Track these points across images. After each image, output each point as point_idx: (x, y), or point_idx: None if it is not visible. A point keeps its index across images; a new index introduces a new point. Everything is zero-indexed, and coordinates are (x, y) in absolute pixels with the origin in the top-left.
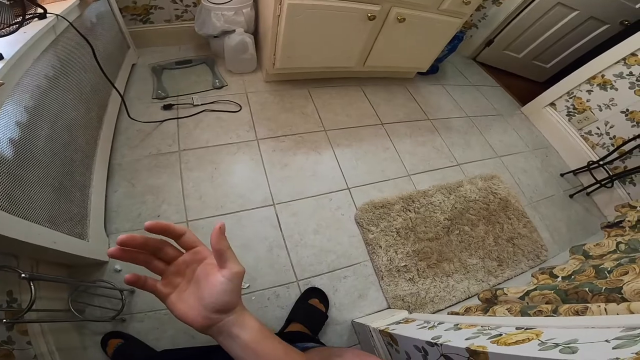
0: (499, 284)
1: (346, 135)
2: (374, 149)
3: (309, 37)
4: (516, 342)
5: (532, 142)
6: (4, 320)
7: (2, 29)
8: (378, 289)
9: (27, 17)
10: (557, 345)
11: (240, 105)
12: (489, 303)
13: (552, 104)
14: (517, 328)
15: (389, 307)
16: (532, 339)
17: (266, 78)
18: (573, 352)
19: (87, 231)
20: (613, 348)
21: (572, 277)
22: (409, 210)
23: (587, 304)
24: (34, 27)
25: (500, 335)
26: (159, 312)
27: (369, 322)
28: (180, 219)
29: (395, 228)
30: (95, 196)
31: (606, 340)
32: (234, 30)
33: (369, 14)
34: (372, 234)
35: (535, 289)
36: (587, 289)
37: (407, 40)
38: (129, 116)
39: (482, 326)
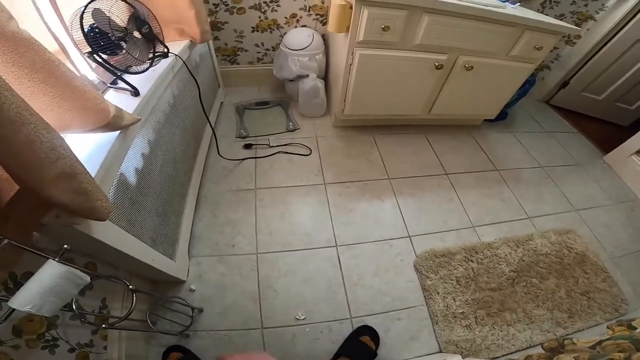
0: (568, 335)
1: (409, 184)
2: (437, 199)
3: (378, 86)
4: None
5: (616, 195)
6: (103, 326)
7: (138, 65)
8: (431, 332)
9: (157, 55)
10: None
11: (310, 149)
12: (554, 352)
13: (639, 152)
14: None
15: (441, 351)
16: None
17: (335, 123)
18: None
19: (175, 252)
20: None
21: None
22: (471, 261)
23: None
24: (160, 66)
25: None
26: (219, 333)
27: None
28: (251, 251)
29: (456, 277)
30: (185, 223)
31: None
32: (307, 75)
33: (437, 63)
34: (431, 281)
35: (608, 339)
36: None
37: (475, 88)
38: (219, 153)
39: None
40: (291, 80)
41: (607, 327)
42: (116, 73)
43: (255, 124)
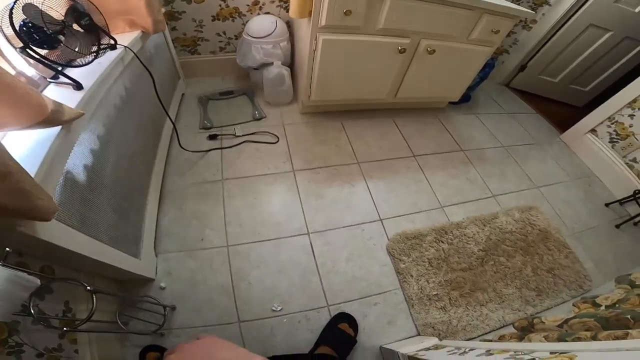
0: (538, 313)
1: (378, 167)
2: (406, 181)
3: (343, 71)
4: None
5: (574, 171)
6: (65, 329)
7: (81, 58)
8: (408, 316)
9: (102, 47)
10: None
11: (277, 137)
12: (525, 331)
13: (593, 131)
14: (551, 352)
15: (419, 334)
16: None
17: (302, 110)
18: None
19: (140, 250)
20: None
21: (617, 305)
22: (442, 242)
23: (629, 330)
24: (106, 58)
25: (534, 359)
26: (195, 329)
27: (398, 347)
28: (222, 244)
29: (427, 258)
30: (148, 219)
31: None
32: (272, 63)
33: (400, 47)
34: (404, 264)
35: (574, 317)
36: (629, 316)
37: (437, 71)
38: (180, 145)
39: (515, 351)
40: (255, 69)
41: (573, 305)
42: (53, 67)
43: (220, 115)
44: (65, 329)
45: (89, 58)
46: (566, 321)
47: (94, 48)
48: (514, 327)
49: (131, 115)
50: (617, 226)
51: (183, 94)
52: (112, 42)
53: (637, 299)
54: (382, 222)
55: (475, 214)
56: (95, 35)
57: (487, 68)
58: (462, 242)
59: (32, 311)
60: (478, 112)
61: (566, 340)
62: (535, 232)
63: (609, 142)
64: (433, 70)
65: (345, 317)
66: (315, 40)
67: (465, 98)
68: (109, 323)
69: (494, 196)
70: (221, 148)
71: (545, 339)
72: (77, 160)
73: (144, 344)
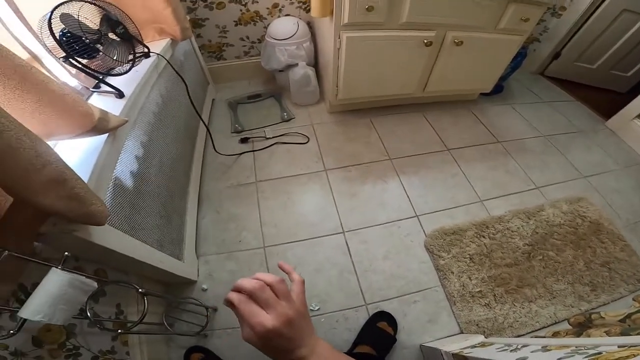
0: (593, 309)
1: (412, 162)
2: (441, 176)
3: (368, 67)
4: (619, 359)
5: (623, 159)
6: (119, 331)
7: (119, 67)
8: (450, 314)
9: (137, 55)
10: None
11: (307, 137)
12: (582, 327)
13: None
14: (619, 346)
15: (462, 332)
16: (638, 354)
17: (330, 109)
18: None
19: (183, 253)
20: None
21: None
22: (483, 237)
23: None
24: (143, 66)
25: (600, 353)
26: (236, 330)
27: (440, 345)
28: (258, 245)
29: (469, 254)
30: (189, 222)
31: None
32: (297, 64)
33: (425, 40)
34: (443, 260)
35: (637, 312)
36: None
37: (466, 63)
38: (215, 150)
39: (576, 347)
40: (281, 71)
41: (633, 299)
42: (96, 76)
43: (249, 118)
44: (119, 330)
45: (127, 66)
46: (629, 316)
47: (130, 56)
48: (569, 323)
49: (168, 122)
50: None
51: (213, 99)
52: (146, 50)
53: None
54: (418, 218)
55: (518, 207)
56: (130, 44)
57: (519, 57)
58: (505, 236)
59: (89, 314)
60: (513, 102)
61: (630, 335)
62: (586, 225)
63: None
64: (462, 62)
65: (384, 316)
66: (339, 38)
67: (498, 89)
68: (156, 325)
69: (538, 188)
70: (253, 150)
71: (606, 334)
72: (124, 167)
73: (188, 345)
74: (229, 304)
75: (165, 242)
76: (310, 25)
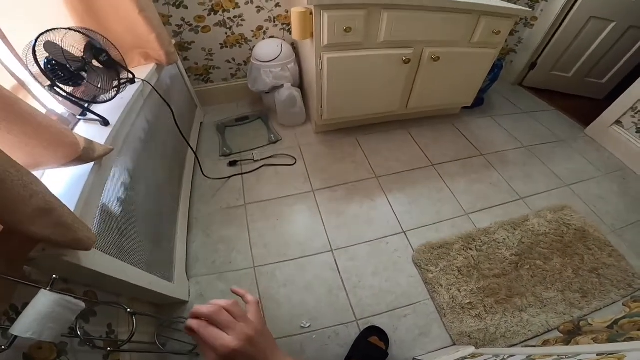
0: (585, 315)
1: (397, 180)
2: (427, 191)
3: (351, 87)
4: None
5: (604, 166)
6: (109, 349)
7: (104, 94)
8: (441, 326)
9: (122, 82)
10: None
11: (295, 158)
12: (572, 335)
13: (618, 122)
14: (598, 354)
15: (454, 344)
16: None
17: (316, 129)
18: None
19: (173, 275)
20: None
21: None
22: (470, 249)
23: None
24: (128, 92)
25: None
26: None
27: (432, 359)
28: (248, 265)
29: (457, 267)
30: (179, 245)
31: None
32: (282, 85)
33: (404, 58)
34: (432, 274)
35: (624, 317)
36: None
37: (445, 77)
38: (203, 174)
39: (558, 355)
40: (267, 92)
41: (623, 305)
42: (80, 104)
43: (237, 140)
44: (109, 349)
45: (112, 93)
46: (616, 322)
47: (115, 83)
48: (559, 331)
49: (155, 147)
50: None
51: (201, 122)
52: (131, 76)
53: None
54: (405, 234)
55: (503, 218)
56: (114, 70)
57: (496, 69)
58: (492, 247)
59: (79, 332)
60: (494, 114)
61: (617, 341)
62: (572, 232)
63: (636, 132)
64: (441, 77)
65: (375, 331)
66: (321, 59)
67: (479, 102)
68: (148, 344)
69: (522, 198)
70: (242, 173)
71: (594, 341)
72: (111, 194)
73: None
74: (189, 331)
75: (154, 265)
76: (294, 46)
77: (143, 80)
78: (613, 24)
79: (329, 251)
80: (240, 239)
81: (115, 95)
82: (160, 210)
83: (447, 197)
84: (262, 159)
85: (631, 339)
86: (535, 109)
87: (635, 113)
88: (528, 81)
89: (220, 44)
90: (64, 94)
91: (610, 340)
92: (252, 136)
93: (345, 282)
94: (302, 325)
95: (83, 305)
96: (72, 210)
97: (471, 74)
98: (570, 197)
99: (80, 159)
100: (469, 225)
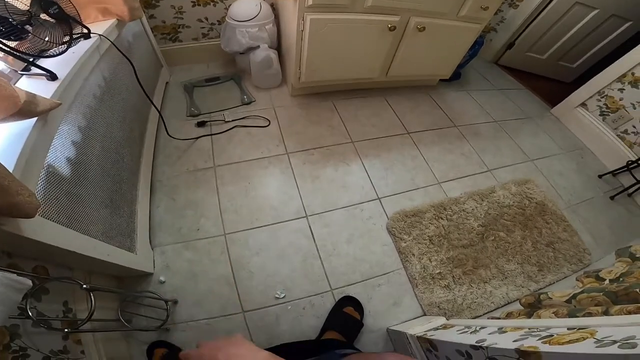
0: (541, 289)
1: (373, 145)
2: (402, 158)
3: (332, 51)
4: (569, 342)
5: (566, 144)
6: (66, 330)
7: (53, 48)
8: (413, 296)
9: (74, 37)
10: (614, 342)
11: (268, 120)
12: (533, 308)
13: (584, 105)
14: (568, 328)
15: (425, 314)
16: (587, 337)
17: (292, 92)
18: (632, 347)
19: (135, 244)
20: None
21: (621, 279)
22: (441, 218)
23: None
24: (81, 47)
25: (552, 336)
26: (199, 323)
27: (405, 328)
28: (218, 232)
29: (428, 236)
30: (141, 211)
31: None
32: (258, 46)
33: (389, 25)
34: (405, 243)
35: (582, 292)
36: (638, 290)
37: (428, 49)
38: (168, 134)
39: (529, 328)
40: (241, 53)
41: (577, 280)
42: (25, 58)
43: (207, 101)
44: (66, 330)
45: (62, 48)
46: (574, 296)
47: (67, 38)
48: (520, 303)
49: (113, 105)
50: (612, 197)
51: (167, 82)
52: (85, 31)
53: None
54: (380, 201)
55: (472, 188)
56: (66, 24)
57: (477, 45)
58: (461, 217)
59: (30, 313)
60: (469, 88)
61: (577, 316)
62: (533, 206)
63: (600, 115)
64: (424, 48)
65: (350, 301)
66: (303, 20)
67: (456, 76)
68: (112, 321)
69: (490, 170)
70: (211, 134)
71: (555, 315)
72: (59, 153)
73: (150, 340)
74: None
75: (113, 234)
76: (273, 6)
77: (100, 35)
78: (596, 11)
79: (304, 217)
80: (209, 204)
81: (65, 50)
82: (119, 173)
83: (421, 165)
84: (233, 120)
85: (590, 314)
86: (508, 86)
87: (602, 97)
88: (504, 60)
89: (192, 1)
90: (5, 48)
91: (570, 314)
92: (224, 97)
93: (320, 250)
94: (277, 295)
95: (29, 282)
96: (11, 171)
97: (453, 47)
98: (533, 171)
99: (20, 114)
100: (441, 195)
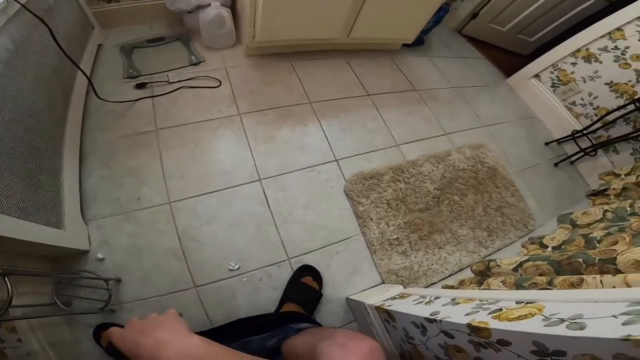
0: (490, 254)
1: (332, 106)
2: (361, 120)
3: (290, 7)
4: (518, 318)
5: (518, 113)
6: None
7: None
8: (371, 263)
9: None
10: (562, 320)
11: (219, 81)
12: (482, 275)
13: (537, 76)
14: (517, 302)
15: (383, 282)
16: (535, 314)
17: (247, 52)
18: (581, 329)
19: (62, 219)
20: (622, 324)
21: (563, 247)
22: (399, 181)
23: (582, 276)
24: None
25: (501, 310)
26: (148, 301)
27: (364, 298)
28: (163, 201)
29: (386, 199)
30: (67, 182)
31: (614, 316)
32: (209, 4)
33: None
34: (363, 207)
35: (528, 260)
36: (580, 260)
37: (392, 10)
38: (98, 96)
39: (480, 300)
40: (190, 12)
41: (522, 246)
42: None
43: (149, 63)
44: None
45: None
46: (520, 264)
47: None
48: (471, 270)
49: (26, 70)
50: (556, 164)
51: (100, 45)
52: None
53: (582, 239)
54: (338, 163)
55: (429, 151)
56: None
57: (442, 12)
58: (418, 180)
59: None
60: (431, 54)
61: (523, 286)
62: (485, 170)
63: (551, 86)
64: (388, 9)
65: (308, 270)
66: None
67: (419, 41)
68: (47, 306)
69: (447, 134)
70: (152, 96)
71: (502, 284)
72: None
73: (95, 323)
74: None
75: (32, 209)
76: None
77: None
78: None
79: (257, 180)
80: (151, 170)
81: None
82: (36, 141)
83: (380, 127)
84: (179, 81)
85: (535, 284)
86: (468, 55)
87: (555, 70)
88: (467, 30)
89: None
90: None
91: (517, 284)
92: (168, 58)
93: (275, 216)
94: (231, 267)
95: None
96: None
97: (418, 10)
98: (487, 137)
99: None
100: (399, 157)
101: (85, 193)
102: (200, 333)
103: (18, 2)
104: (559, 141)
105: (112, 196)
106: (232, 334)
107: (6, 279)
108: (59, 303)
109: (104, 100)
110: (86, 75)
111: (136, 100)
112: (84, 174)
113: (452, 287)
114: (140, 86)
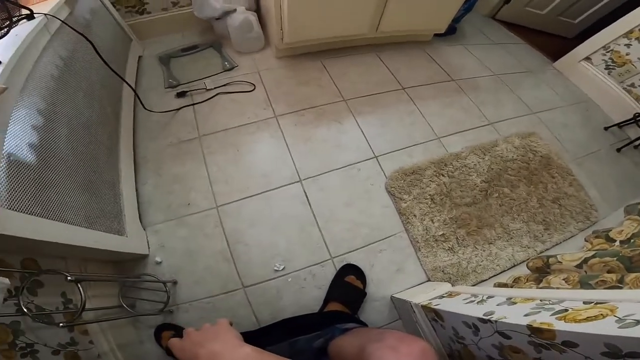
0: (547, 249)
1: (367, 102)
2: (398, 114)
3: (315, 7)
4: (587, 319)
5: (569, 97)
6: (60, 324)
7: None
8: (416, 261)
9: (15, 19)
10: (638, 322)
11: (253, 85)
12: (541, 272)
13: (588, 59)
14: (584, 302)
15: (429, 280)
16: (607, 315)
17: (277, 54)
18: None
19: (124, 227)
20: None
21: (632, 240)
22: (442, 175)
23: None
24: (24, 29)
25: (566, 310)
26: (201, 302)
27: (410, 297)
28: (210, 205)
29: (429, 194)
30: (126, 191)
31: None
32: (235, 10)
33: None
34: (405, 203)
35: (594, 256)
36: None
37: (420, 1)
38: (145, 108)
39: (541, 300)
40: (218, 19)
41: (585, 240)
42: None
43: (185, 71)
44: (60, 324)
45: (1, 32)
46: (585, 261)
47: (7, 22)
48: (527, 267)
49: (77, 85)
50: (618, 150)
51: (140, 57)
52: (28, 12)
53: None
54: (377, 159)
55: (473, 143)
56: (2, 5)
57: None
58: (463, 173)
59: (25, 309)
60: (465, 43)
61: (589, 284)
62: (537, 159)
63: (605, 68)
64: (416, 0)
65: (351, 269)
66: None
67: (451, 30)
68: (114, 308)
69: (491, 123)
70: (193, 104)
71: (565, 281)
72: (18, 140)
73: (156, 323)
74: None
75: (97, 218)
76: None
77: (46, 14)
78: None
79: (298, 182)
80: (197, 176)
81: (5, 34)
82: (94, 154)
83: (418, 121)
84: (215, 88)
85: (604, 282)
86: (506, 41)
87: (607, 51)
88: (501, 15)
89: None
90: None
91: (582, 282)
92: (203, 65)
93: (317, 216)
94: (276, 268)
95: (6, 281)
96: None
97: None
98: (537, 124)
99: None
100: (441, 150)
101: (141, 201)
102: (247, 333)
103: (57, 18)
104: (620, 125)
105: (165, 202)
106: (278, 333)
107: (79, 285)
108: (125, 305)
109: (150, 110)
110: (132, 88)
111: (179, 108)
112: (139, 183)
113: (505, 285)
114: (181, 95)
